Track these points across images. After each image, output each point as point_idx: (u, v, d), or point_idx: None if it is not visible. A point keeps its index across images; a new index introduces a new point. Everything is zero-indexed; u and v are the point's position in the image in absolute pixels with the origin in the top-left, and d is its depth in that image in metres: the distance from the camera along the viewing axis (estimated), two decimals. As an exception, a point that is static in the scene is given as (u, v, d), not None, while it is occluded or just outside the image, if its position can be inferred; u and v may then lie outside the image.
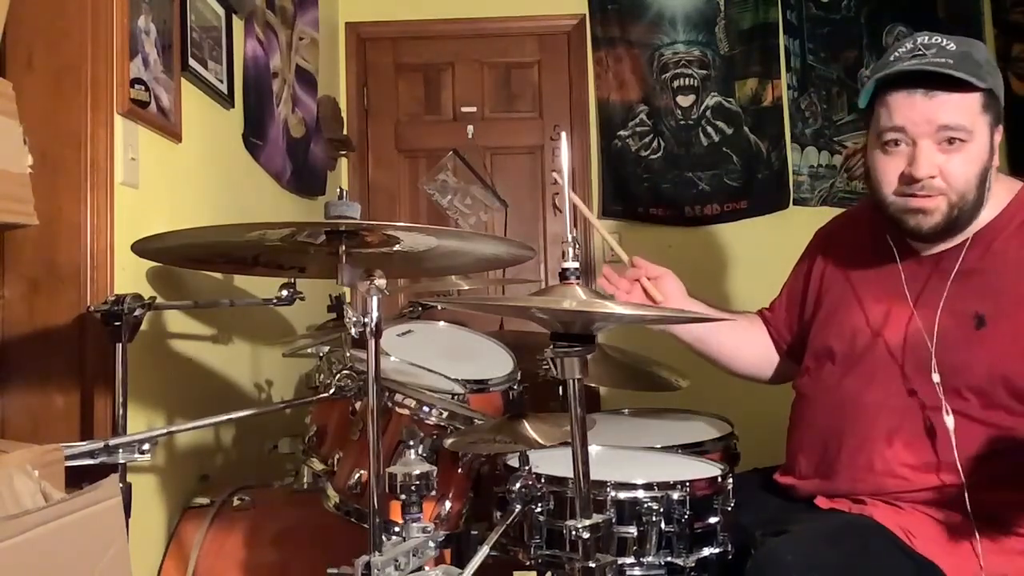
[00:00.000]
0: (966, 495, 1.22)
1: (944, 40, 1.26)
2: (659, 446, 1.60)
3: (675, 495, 1.24)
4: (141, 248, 1.17)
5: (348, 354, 1.49)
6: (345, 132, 3.30)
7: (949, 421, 1.24)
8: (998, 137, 1.30)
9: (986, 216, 1.31)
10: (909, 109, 1.25)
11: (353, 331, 1.08)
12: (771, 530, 1.26)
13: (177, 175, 1.86)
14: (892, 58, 1.29)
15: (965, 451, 1.24)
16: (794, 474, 1.44)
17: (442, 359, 1.67)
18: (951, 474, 1.24)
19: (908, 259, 1.37)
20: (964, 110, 1.24)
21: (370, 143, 3.53)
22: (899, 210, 1.30)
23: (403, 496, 1.14)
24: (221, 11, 2.12)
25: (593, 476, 1.02)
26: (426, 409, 1.43)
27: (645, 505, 1.22)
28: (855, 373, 1.38)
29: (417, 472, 1.14)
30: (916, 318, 1.32)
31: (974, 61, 1.24)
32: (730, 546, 1.28)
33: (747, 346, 1.63)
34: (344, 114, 3.35)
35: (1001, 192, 1.33)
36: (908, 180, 1.27)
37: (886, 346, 1.35)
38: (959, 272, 1.30)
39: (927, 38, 1.27)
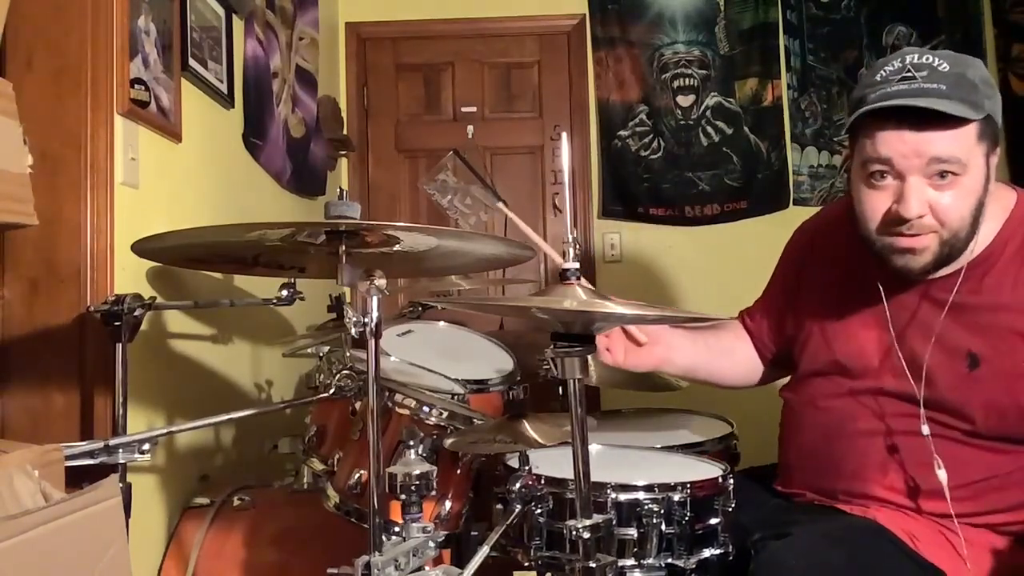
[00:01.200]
0: (956, 518, 1.20)
1: (936, 60, 1.14)
2: (659, 446, 1.60)
3: (676, 496, 1.23)
4: (141, 248, 1.16)
5: (348, 354, 1.49)
6: (345, 132, 3.30)
7: (941, 475, 1.20)
8: (994, 160, 1.19)
9: (980, 242, 1.22)
10: (897, 142, 1.14)
11: (353, 331, 1.08)
12: (771, 532, 1.24)
13: (177, 175, 1.86)
14: (879, 78, 1.17)
15: (957, 480, 1.21)
16: (790, 487, 1.42)
17: (442, 359, 1.67)
18: (947, 502, 1.21)
19: (895, 284, 1.28)
20: (958, 143, 1.12)
21: (370, 143, 3.53)
22: (885, 249, 1.21)
23: (403, 496, 1.14)
24: (221, 11, 2.12)
25: (593, 477, 1.02)
26: (426, 409, 1.43)
27: (646, 507, 1.22)
28: (844, 398, 1.33)
29: (417, 472, 1.13)
30: (904, 347, 1.27)
31: (969, 83, 1.13)
32: (731, 547, 1.28)
33: (735, 365, 1.58)
34: (344, 114, 3.35)
35: (995, 212, 1.23)
36: (896, 220, 1.16)
37: (877, 373, 1.30)
38: (953, 304, 1.22)
39: (917, 57, 1.15)
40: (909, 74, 1.14)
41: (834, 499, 1.33)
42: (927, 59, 1.15)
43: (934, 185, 1.15)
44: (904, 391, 1.26)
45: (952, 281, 1.23)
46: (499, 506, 1.31)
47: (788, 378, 1.51)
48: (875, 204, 1.20)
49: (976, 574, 1.19)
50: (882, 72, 1.18)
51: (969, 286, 1.23)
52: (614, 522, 1.21)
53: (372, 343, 1.09)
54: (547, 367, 1.88)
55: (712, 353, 1.54)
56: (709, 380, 1.57)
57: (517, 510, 1.23)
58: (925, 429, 1.22)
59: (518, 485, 1.23)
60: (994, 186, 1.22)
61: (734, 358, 1.58)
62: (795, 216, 3.45)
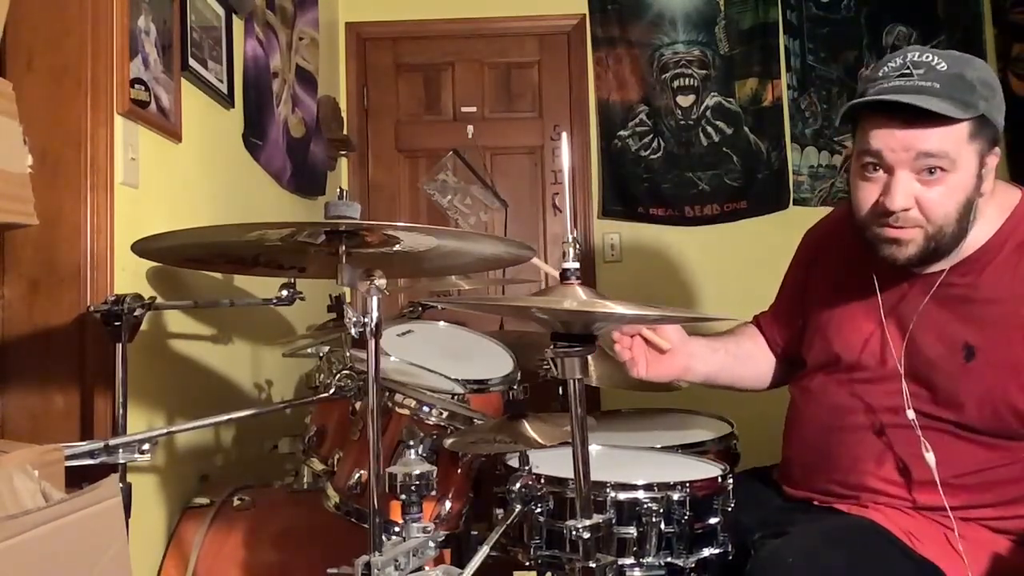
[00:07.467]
0: (950, 510, 1.21)
1: (935, 58, 1.17)
2: (659, 446, 1.60)
3: (675, 495, 1.24)
4: (141, 248, 1.16)
5: (348, 354, 1.49)
6: (345, 132, 3.30)
7: (930, 458, 1.22)
8: (993, 161, 1.21)
9: (979, 238, 1.24)
10: (887, 137, 1.18)
11: (353, 331, 1.08)
12: (770, 531, 1.25)
13: (177, 175, 1.86)
14: (880, 74, 1.21)
15: (950, 472, 1.22)
16: (790, 482, 1.43)
17: (442, 359, 1.67)
18: (940, 494, 1.22)
19: (893, 276, 1.31)
20: (946, 139, 1.15)
21: (370, 143, 3.53)
22: (874, 238, 1.24)
23: (403, 496, 1.14)
24: (221, 11, 2.12)
25: (593, 476, 1.02)
26: (426, 409, 1.43)
27: (645, 506, 1.22)
28: (843, 391, 1.35)
29: (417, 472, 1.13)
30: (903, 341, 1.29)
31: (966, 83, 1.15)
32: (730, 546, 1.28)
33: (756, 370, 1.60)
34: (344, 114, 3.35)
35: (995, 211, 1.26)
36: (883, 211, 1.21)
37: (874, 365, 1.32)
38: (951, 296, 1.25)
39: (917, 55, 1.18)
40: (907, 71, 1.18)
41: (830, 495, 1.34)
42: (927, 57, 1.18)
43: (922, 180, 1.18)
44: (900, 383, 1.28)
45: (949, 275, 1.26)
46: (498, 513, 1.31)
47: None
48: (866, 195, 1.24)
49: (974, 572, 1.19)
50: (884, 68, 1.21)
51: (969, 280, 1.25)
52: (614, 521, 1.21)
53: (372, 343, 1.09)
54: (547, 367, 1.88)
55: (734, 360, 1.56)
56: (730, 385, 1.58)
57: (517, 510, 1.23)
58: (910, 414, 1.25)
59: (518, 485, 1.23)
60: (997, 184, 1.24)
61: (754, 363, 1.59)
62: (795, 216, 3.47)
